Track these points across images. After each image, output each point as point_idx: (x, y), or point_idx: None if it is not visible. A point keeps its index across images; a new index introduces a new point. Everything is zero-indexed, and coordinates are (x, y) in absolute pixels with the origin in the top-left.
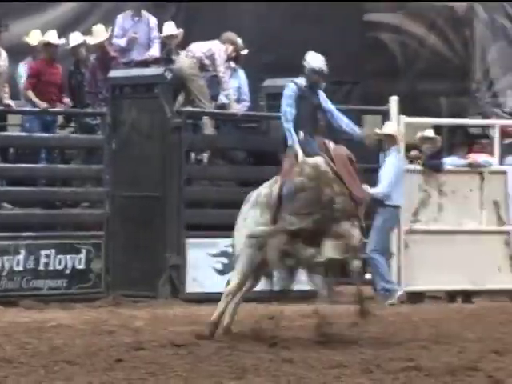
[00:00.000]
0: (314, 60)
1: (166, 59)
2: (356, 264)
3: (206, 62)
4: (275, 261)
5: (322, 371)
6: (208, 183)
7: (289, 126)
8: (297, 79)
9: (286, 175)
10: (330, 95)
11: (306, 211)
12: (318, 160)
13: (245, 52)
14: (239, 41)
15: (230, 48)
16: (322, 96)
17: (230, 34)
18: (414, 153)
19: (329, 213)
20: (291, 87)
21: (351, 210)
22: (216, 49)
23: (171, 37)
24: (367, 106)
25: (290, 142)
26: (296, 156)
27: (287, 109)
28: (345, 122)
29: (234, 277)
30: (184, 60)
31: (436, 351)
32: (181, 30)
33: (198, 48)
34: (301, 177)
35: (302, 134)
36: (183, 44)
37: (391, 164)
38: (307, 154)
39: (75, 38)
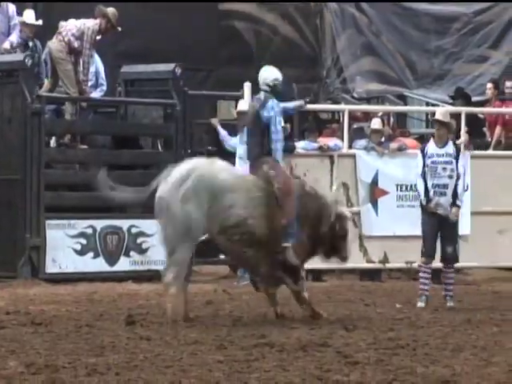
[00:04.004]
0: (279, 74)
1: (24, 45)
2: None
3: (76, 44)
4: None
5: (179, 348)
6: (67, 166)
7: (279, 146)
8: (271, 96)
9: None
10: (187, 82)
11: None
12: None
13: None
14: (110, 10)
15: (103, 22)
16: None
17: (101, 8)
18: None
19: None
20: (279, 105)
21: None
22: (86, 27)
23: (30, 25)
24: (222, 92)
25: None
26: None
27: (279, 127)
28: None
29: (173, 269)
30: (54, 42)
31: (288, 328)
32: (40, 22)
33: (69, 30)
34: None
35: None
36: (41, 33)
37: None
38: None
39: None
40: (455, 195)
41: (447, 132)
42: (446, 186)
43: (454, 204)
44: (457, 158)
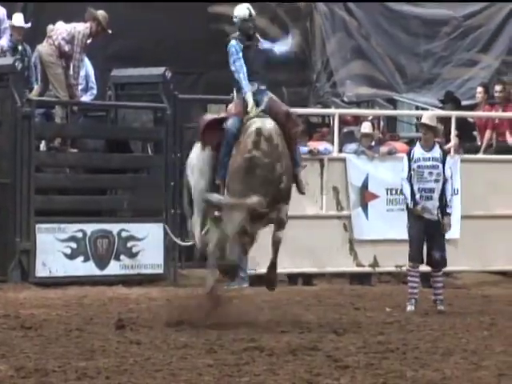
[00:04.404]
0: (240, 10)
1: (13, 49)
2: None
3: (66, 48)
4: (233, 236)
5: (169, 352)
6: (57, 170)
7: (241, 76)
8: (233, 34)
9: (231, 113)
10: (177, 86)
11: (261, 190)
12: (271, 129)
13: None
14: (100, 14)
15: (94, 25)
16: (259, 38)
17: (91, 11)
18: None
19: (277, 193)
20: (233, 44)
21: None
22: (76, 31)
23: (18, 28)
24: (212, 96)
25: (244, 93)
26: (246, 105)
27: (237, 63)
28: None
29: (213, 240)
30: (44, 46)
31: (278, 332)
32: (28, 24)
33: (59, 34)
34: (256, 150)
35: (255, 84)
36: (31, 37)
37: None
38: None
39: None
40: (445, 202)
41: (433, 136)
42: (432, 191)
43: (444, 212)
44: (443, 162)
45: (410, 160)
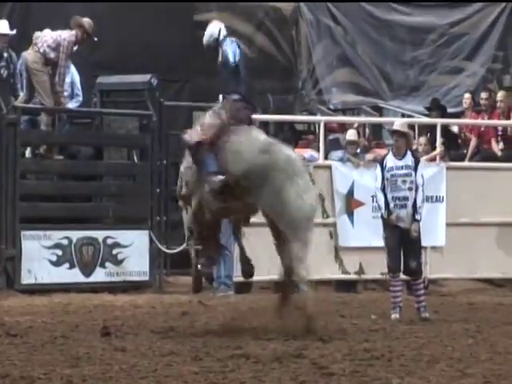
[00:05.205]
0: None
1: None
2: None
3: (52, 55)
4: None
5: (154, 359)
6: (43, 177)
7: None
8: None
9: None
10: (163, 93)
11: None
12: None
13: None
14: (86, 21)
15: (79, 32)
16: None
17: (77, 18)
18: None
19: None
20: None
21: None
22: (61, 39)
23: (3, 35)
24: (198, 103)
25: None
26: None
27: None
28: None
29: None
30: (30, 53)
31: (263, 339)
32: (14, 31)
33: (45, 41)
34: None
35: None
36: (16, 44)
37: None
38: None
39: None
40: (415, 208)
41: (406, 143)
42: (406, 199)
43: (413, 219)
44: (415, 169)
45: (382, 169)
